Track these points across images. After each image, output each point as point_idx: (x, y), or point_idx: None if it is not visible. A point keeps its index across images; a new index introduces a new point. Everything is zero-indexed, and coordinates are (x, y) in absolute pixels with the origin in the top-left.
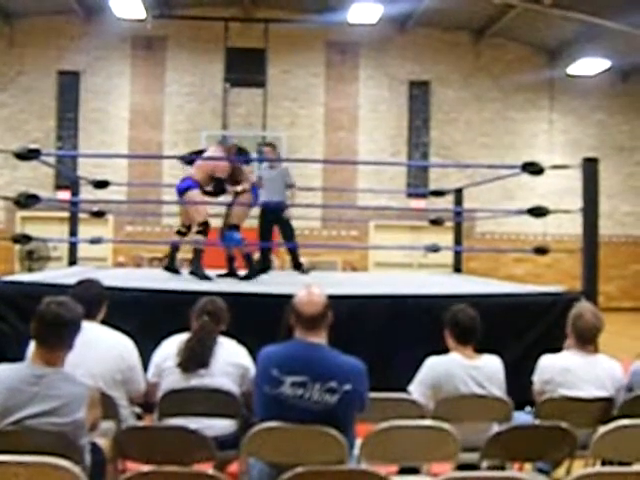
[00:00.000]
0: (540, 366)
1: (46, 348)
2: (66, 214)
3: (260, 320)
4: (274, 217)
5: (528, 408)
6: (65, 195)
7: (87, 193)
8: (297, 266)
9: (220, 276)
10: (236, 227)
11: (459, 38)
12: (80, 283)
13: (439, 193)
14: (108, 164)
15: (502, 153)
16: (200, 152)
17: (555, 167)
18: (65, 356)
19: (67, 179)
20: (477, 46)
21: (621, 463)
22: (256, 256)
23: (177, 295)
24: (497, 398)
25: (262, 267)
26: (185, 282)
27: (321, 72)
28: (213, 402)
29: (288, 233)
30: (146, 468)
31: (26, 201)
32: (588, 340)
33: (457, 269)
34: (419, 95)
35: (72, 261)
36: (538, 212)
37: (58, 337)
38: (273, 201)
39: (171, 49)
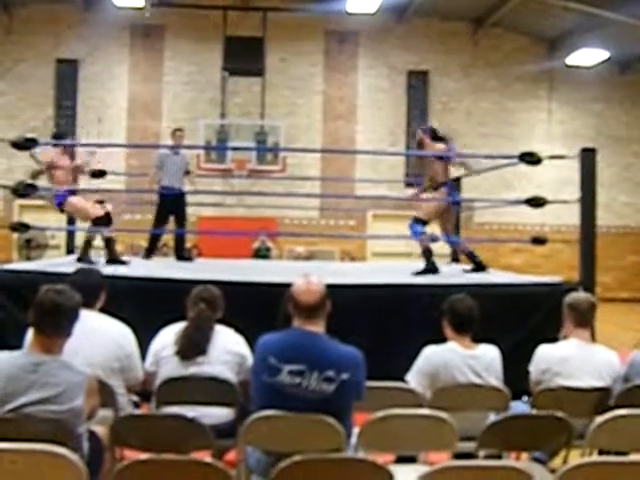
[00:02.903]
0: (537, 356)
1: (44, 336)
2: None
3: (258, 309)
4: (173, 205)
5: (525, 398)
6: None
7: (85, 182)
8: (180, 256)
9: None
10: (421, 221)
11: (458, 28)
12: (79, 271)
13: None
14: (106, 153)
15: (500, 143)
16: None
17: (553, 157)
18: (63, 344)
19: None
20: (476, 36)
21: (618, 453)
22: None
23: (175, 284)
24: (494, 387)
25: (147, 253)
26: (184, 271)
27: (320, 61)
28: (211, 390)
29: (181, 222)
30: (144, 456)
31: (24, 190)
32: (586, 320)
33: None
34: (418, 85)
35: (70, 250)
36: (536, 202)
37: (56, 325)
38: (175, 188)
39: (169, 38)
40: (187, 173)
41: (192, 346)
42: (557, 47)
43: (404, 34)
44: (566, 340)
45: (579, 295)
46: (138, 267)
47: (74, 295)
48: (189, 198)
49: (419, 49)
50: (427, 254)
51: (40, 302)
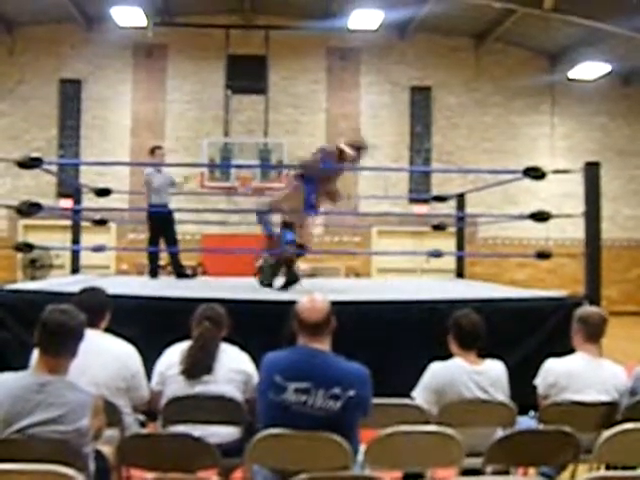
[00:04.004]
0: (544, 369)
1: (49, 356)
2: (68, 222)
3: (263, 327)
4: (161, 223)
5: (532, 413)
6: (67, 203)
7: (89, 201)
8: (180, 274)
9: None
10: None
11: (460, 43)
12: (84, 291)
13: (441, 198)
14: (110, 172)
15: (504, 158)
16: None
17: (557, 172)
18: (68, 364)
19: (69, 187)
20: (478, 51)
21: (625, 467)
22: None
23: (180, 302)
24: (501, 403)
25: (152, 272)
26: (188, 289)
27: (322, 78)
28: (217, 409)
29: (171, 239)
30: (150, 476)
31: (28, 209)
32: (596, 334)
33: (459, 274)
34: (420, 101)
35: (75, 269)
36: (540, 217)
37: (61, 345)
38: (161, 205)
39: (172, 57)
40: (173, 185)
41: (197, 365)
42: (559, 61)
43: (406, 50)
44: (574, 354)
45: (590, 309)
46: (142, 286)
47: (79, 315)
48: (193, 216)
49: (421, 65)
50: (289, 263)
51: (45, 322)
